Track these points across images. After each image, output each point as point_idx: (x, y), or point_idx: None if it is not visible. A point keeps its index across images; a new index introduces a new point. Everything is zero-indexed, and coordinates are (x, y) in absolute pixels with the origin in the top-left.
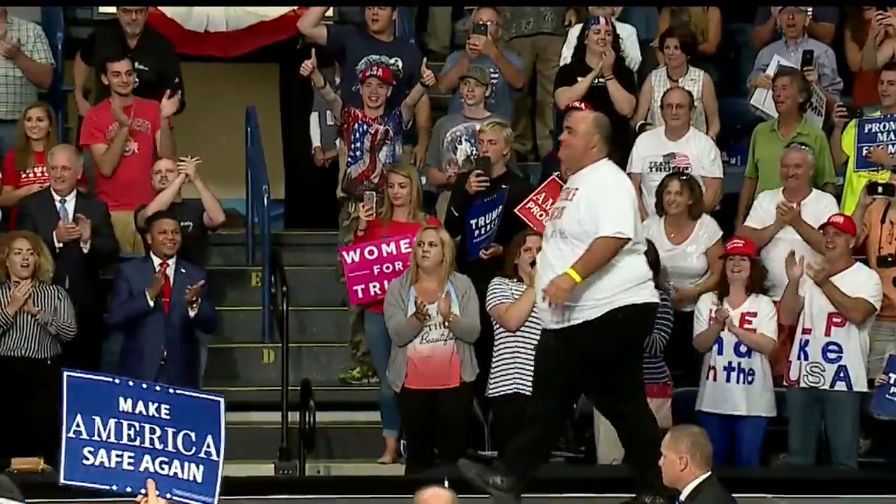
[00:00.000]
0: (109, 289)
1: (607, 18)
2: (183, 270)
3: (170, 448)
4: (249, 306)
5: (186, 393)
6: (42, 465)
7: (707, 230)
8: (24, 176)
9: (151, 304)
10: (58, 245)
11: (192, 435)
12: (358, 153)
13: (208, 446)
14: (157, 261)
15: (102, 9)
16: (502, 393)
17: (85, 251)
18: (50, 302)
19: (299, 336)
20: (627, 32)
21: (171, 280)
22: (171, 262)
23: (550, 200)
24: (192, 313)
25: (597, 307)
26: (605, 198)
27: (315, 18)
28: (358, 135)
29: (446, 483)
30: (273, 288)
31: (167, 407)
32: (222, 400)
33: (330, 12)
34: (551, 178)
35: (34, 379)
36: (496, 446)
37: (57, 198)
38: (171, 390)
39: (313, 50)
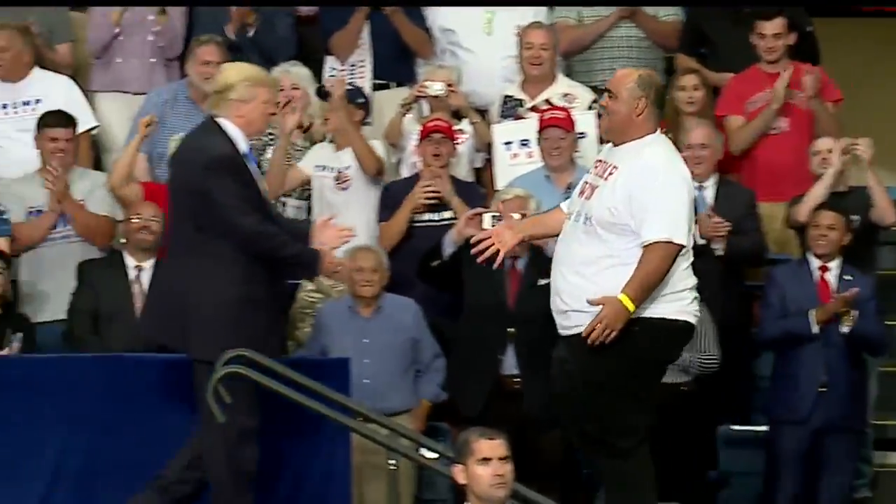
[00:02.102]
0: (756, 297)
1: None
2: (848, 277)
3: None
4: None
5: None
6: None
7: None
8: None
9: (816, 330)
10: (699, 242)
11: None
12: None
13: None
14: (815, 263)
15: None
16: None
17: (717, 252)
18: None
19: None
20: None
21: (832, 288)
22: (833, 264)
23: None
24: (843, 329)
25: None
26: (653, 192)
27: None
28: None
29: None
30: None
31: None
32: None
33: None
34: None
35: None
36: None
37: (694, 183)
38: None
39: None
